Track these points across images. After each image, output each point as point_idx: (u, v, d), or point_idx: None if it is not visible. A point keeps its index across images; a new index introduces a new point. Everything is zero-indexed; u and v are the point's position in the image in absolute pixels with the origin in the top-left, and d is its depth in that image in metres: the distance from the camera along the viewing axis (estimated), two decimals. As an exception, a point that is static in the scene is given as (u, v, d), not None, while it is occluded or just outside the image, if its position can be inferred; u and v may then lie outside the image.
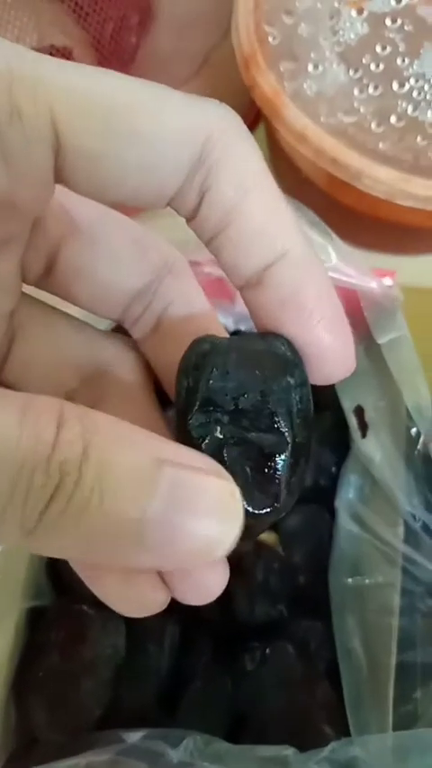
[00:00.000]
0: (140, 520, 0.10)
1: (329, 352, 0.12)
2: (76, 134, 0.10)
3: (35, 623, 0.25)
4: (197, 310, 0.14)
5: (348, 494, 0.25)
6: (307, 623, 0.25)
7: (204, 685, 0.25)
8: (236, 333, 0.31)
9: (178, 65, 0.39)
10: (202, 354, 0.12)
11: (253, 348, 0.12)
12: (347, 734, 0.22)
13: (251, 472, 0.11)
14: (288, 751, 0.21)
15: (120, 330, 0.15)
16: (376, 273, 0.27)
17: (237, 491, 0.11)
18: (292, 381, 0.12)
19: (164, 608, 0.13)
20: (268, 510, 0.11)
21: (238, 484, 0.11)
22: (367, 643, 0.23)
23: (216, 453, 0.11)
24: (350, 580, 0.24)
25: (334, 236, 0.22)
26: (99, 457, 0.10)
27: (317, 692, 0.23)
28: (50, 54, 0.41)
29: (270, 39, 0.31)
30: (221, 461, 0.11)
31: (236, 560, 0.26)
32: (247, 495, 0.11)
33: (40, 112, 0.10)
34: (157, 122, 0.11)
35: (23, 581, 0.25)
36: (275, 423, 0.11)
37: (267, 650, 0.24)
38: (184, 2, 0.39)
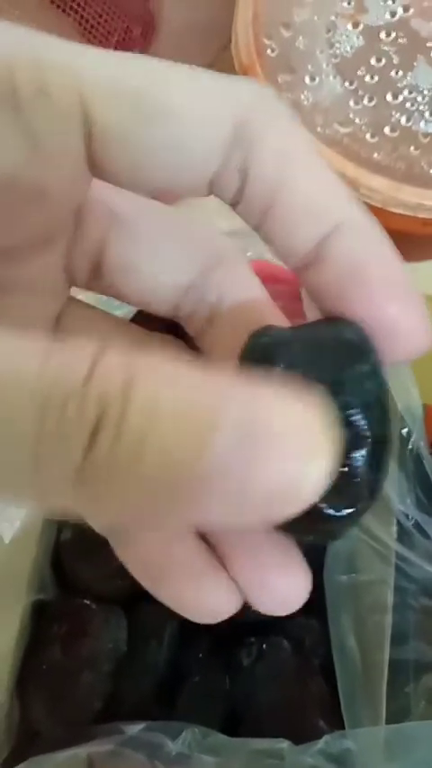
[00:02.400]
0: (202, 463, 0.08)
1: (403, 329, 0.10)
2: (107, 115, 0.10)
3: (38, 617, 0.26)
4: (252, 300, 0.13)
5: (343, 493, 0.26)
6: (302, 620, 0.26)
7: (202, 680, 0.25)
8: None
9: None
10: (263, 348, 0.11)
11: (318, 336, 0.11)
12: (341, 728, 0.23)
13: None
14: (283, 744, 0.22)
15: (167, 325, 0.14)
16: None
17: (323, 417, 0.08)
18: (366, 369, 0.10)
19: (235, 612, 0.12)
20: (349, 512, 0.10)
21: None
22: (361, 639, 0.24)
23: None
24: (344, 578, 0.25)
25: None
26: (147, 388, 0.08)
27: (311, 687, 0.24)
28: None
29: (268, 51, 0.32)
30: None
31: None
32: (323, 498, 0.09)
33: (69, 91, 0.10)
34: (188, 101, 0.10)
35: (28, 574, 0.25)
36: (350, 416, 0.10)
37: (263, 646, 0.25)
38: (185, 15, 0.40)
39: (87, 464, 0.08)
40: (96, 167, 0.11)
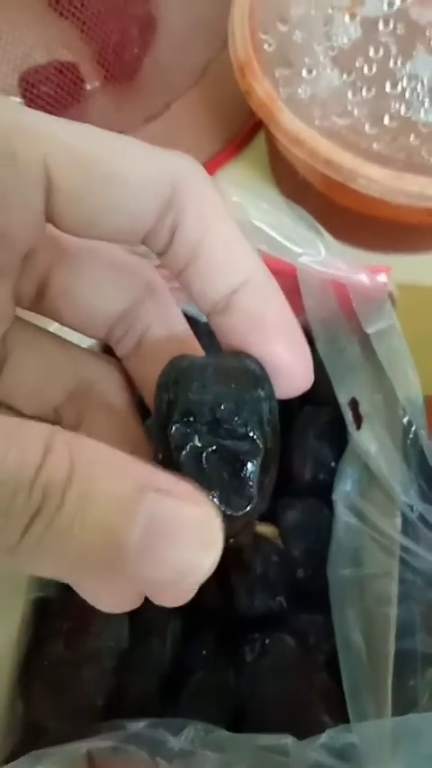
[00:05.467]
0: (121, 547, 0.10)
1: (290, 369, 0.13)
2: (65, 180, 0.12)
3: (41, 614, 0.26)
4: (176, 332, 0.16)
5: (346, 486, 0.25)
6: (306, 615, 0.25)
7: (206, 676, 0.25)
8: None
9: (179, 75, 0.40)
10: (182, 370, 0.13)
11: (227, 365, 0.13)
12: (346, 723, 0.22)
13: (227, 477, 0.12)
14: (287, 739, 0.22)
15: (108, 349, 0.17)
16: (371, 270, 0.27)
17: (216, 515, 0.11)
18: (262, 394, 0.13)
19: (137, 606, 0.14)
20: (244, 511, 0.12)
21: (216, 488, 0.12)
22: (366, 633, 0.24)
23: (196, 460, 0.12)
24: (348, 571, 0.24)
25: (323, 231, 0.22)
26: (82, 483, 0.10)
27: (316, 683, 0.24)
28: (58, 69, 0.43)
29: (265, 46, 0.32)
30: (200, 468, 0.12)
31: (236, 553, 0.26)
32: (224, 498, 0.12)
33: (35, 159, 0.12)
34: (131, 171, 0.12)
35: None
36: (249, 431, 0.12)
37: (267, 641, 0.24)
38: (184, 15, 0.40)
39: (22, 543, 0.10)
40: (53, 219, 0.13)
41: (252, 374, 0.13)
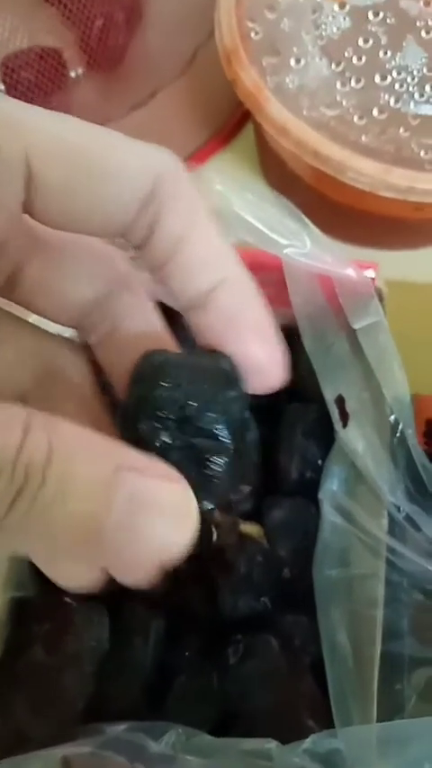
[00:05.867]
0: (100, 524, 0.11)
1: (264, 367, 0.14)
2: (49, 171, 0.12)
3: (18, 615, 0.25)
4: (150, 323, 0.16)
5: (332, 485, 0.25)
6: (292, 617, 0.25)
7: (189, 679, 0.25)
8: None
9: (166, 63, 0.39)
10: (155, 365, 0.13)
11: (201, 363, 0.13)
12: (332, 728, 0.22)
13: (194, 474, 0.12)
14: (271, 744, 0.21)
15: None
16: (358, 265, 0.27)
17: (190, 492, 0.12)
18: (233, 394, 0.13)
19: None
20: (210, 508, 0.12)
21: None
22: (352, 635, 0.23)
23: (164, 456, 0.12)
24: (334, 572, 0.24)
25: (310, 223, 0.22)
26: (61, 463, 0.10)
27: (300, 686, 0.23)
28: (40, 55, 0.42)
29: (252, 34, 0.31)
30: (168, 464, 0.12)
31: (219, 553, 0.26)
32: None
33: (17, 150, 0.11)
34: (115, 163, 0.12)
35: (6, 572, 0.25)
36: (217, 430, 0.13)
37: (251, 643, 0.24)
38: (171, 1, 0.39)
39: (6, 520, 0.10)
40: (31, 211, 0.12)
41: (224, 374, 0.13)
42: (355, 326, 0.23)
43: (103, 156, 0.12)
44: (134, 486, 0.11)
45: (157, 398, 0.12)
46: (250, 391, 0.14)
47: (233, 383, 0.13)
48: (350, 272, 0.23)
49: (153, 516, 0.11)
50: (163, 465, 0.12)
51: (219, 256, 0.13)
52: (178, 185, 0.13)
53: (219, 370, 0.13)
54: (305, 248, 0.22)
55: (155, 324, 0.16)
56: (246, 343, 0.13)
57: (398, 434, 0.22)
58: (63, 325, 0.16)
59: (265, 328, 0.14)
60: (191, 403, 0.12)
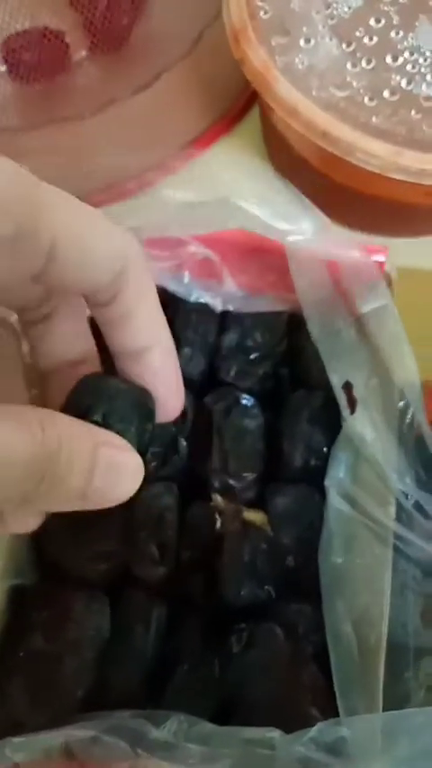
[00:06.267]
0: (87, 488, 0.15)
1: (168, 406, 0.19)
2: (63, 253, 0.15)
3: (17, 603, 0.25)
4: (81, 347, 0.20)
5: (339, 472, 0.24)
6: (296, 605, 0.25)
7: (192, 668, 0.24)
8: (224, 313, 0.30)
9: (171, 45, 0.38)
10: (93, 393, 0.17)
11: (131, 398, 0.18)
12: (335, 717, 0.22)
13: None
14: (274, 733, 0.21)
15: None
16: (368, 250, 0.26)
17: (140, 461, 0.16)
18: (149, 426, 0.18)
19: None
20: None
21: None
22: (357, 624, 0.23)
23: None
24: (340, 560, 0.24)
25: (315, 208, 0.21)
26: (68, 449, 0.15)
27: (304, 675, 0.23)
28: (43, 36, 0.41)
29: (261, 13, 0.30)
30: None
31: (223, 540, 0.25)
32: None
33: (47, 238, 0.15)
34: (102, 247, 0.16)
35: (5, 560, 0.24)
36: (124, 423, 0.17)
37: (254, 632, 0.23)
38: (177, -19, 0.38)
39: (36, 494, 0.15)
40: (41, 276, 0.16)
41: (145, 403, 0.18)
42: (363, 310, 0.22)
43: (96, 242, 0.16)
44: (109, 458, 0.16)
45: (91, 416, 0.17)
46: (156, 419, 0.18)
47: (151, 416, 0.18)
48: (356, 254, 0.22)
49: (124, 479, 0.16)
50: (123, 440, 0.16)
51: (158, 327, 0.18)
52: (139, 268, 0.17)
53: (144, 405, 0.18)
54: (310, 234, 0.22)
55: (89, 350, 0.20)
56: (158, 390, 0.18)
57: (407, 420, 0.22)
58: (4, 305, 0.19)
59: (176, 381, 0.19)
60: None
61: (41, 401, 0.20)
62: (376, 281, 0.23)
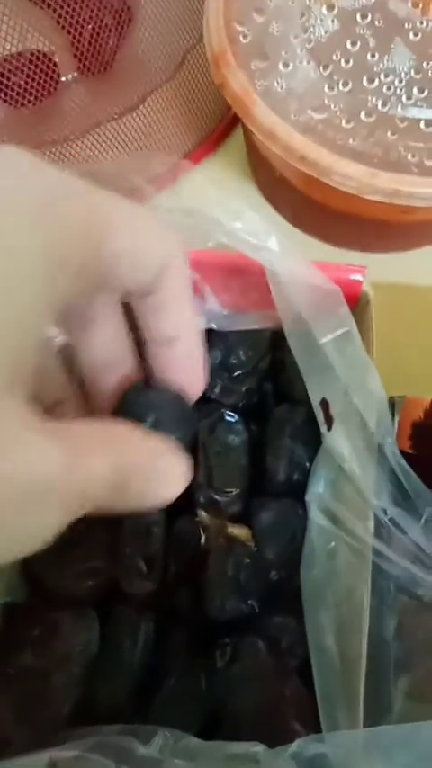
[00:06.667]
0: (146, 492, 0.16)
1: (192, 387, 0.20)
2: (118, 264, 0.16)
3: (8, 620, 0.25)
4: (122, 350, 0.20)
5: (319, 488, 0.25)
6: (279, 619, 0.25)
7: (178, 682, 0.25)
8: (208, 331, 0.31)
9: (156, 67, 0.39)
10: (140, 404, 0.19)
11: (173, 409, 0.19)
12: (319, 731, 0.22)
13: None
14: (258, 748, 0.21)
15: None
16: (347, 269, 0.27)
17: (188, 463, 0.17)
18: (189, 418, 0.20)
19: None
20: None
21: None
22: (338, 638, 0.23)
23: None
24: (321, 575, 0.24)
25: (293, 228, 0.22)
26: (113, 466, 0.15)
27: (287, 689, 0.23)
28: (31, 60, 0.42)
29: (241, 37, 0.31)
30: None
31: (207, 555, 0.26)
32: None
33: (110, 253, 0.16)
34: (152, 254, 0.17)
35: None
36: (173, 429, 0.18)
37: (238, 646, 0.24)
38: (161, 4, 0.39)
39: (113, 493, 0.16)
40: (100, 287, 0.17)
41: (189, 414, 0.20)
42: (322, 341, 0.23)
43: (149, 251, 0.17)
44: (166, 461, 0.17)
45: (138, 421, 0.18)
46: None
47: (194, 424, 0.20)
48: (317, 281, 0.23)
49: (176, 480, 0.17)
50: (164, 444, 0.17)
51: (190, 316, 0.19)
52: (182, 259, 0.18)
53: (188, 415, 0.20)
54: (283, 254, 0.22)
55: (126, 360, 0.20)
56: (184, 383, 0.19)
57: (379, 440, 0.22)
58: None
59: (204, 370, 0.20)
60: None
61: (82, 402, 0.20)
62: (337, 307, 0.23)
